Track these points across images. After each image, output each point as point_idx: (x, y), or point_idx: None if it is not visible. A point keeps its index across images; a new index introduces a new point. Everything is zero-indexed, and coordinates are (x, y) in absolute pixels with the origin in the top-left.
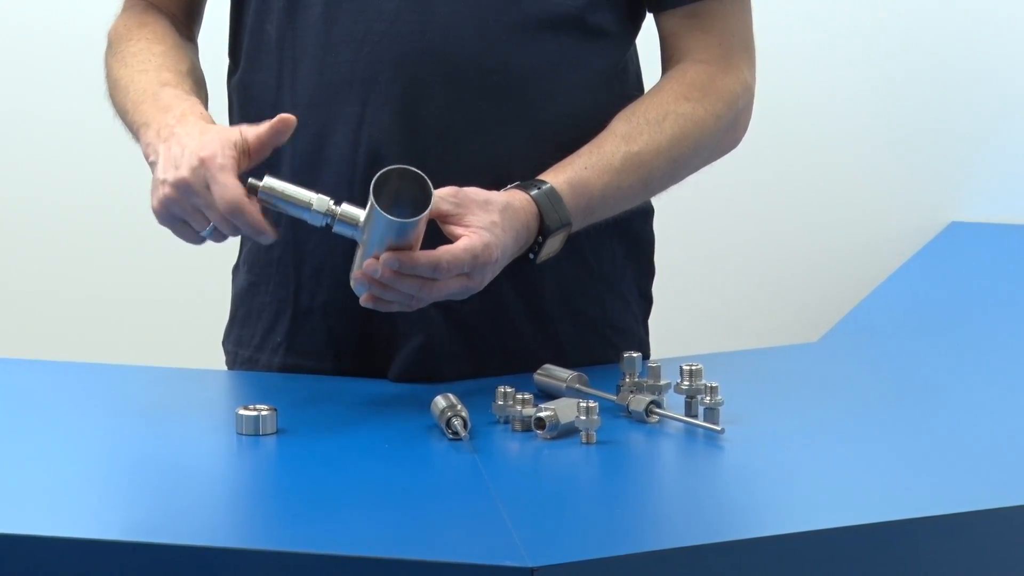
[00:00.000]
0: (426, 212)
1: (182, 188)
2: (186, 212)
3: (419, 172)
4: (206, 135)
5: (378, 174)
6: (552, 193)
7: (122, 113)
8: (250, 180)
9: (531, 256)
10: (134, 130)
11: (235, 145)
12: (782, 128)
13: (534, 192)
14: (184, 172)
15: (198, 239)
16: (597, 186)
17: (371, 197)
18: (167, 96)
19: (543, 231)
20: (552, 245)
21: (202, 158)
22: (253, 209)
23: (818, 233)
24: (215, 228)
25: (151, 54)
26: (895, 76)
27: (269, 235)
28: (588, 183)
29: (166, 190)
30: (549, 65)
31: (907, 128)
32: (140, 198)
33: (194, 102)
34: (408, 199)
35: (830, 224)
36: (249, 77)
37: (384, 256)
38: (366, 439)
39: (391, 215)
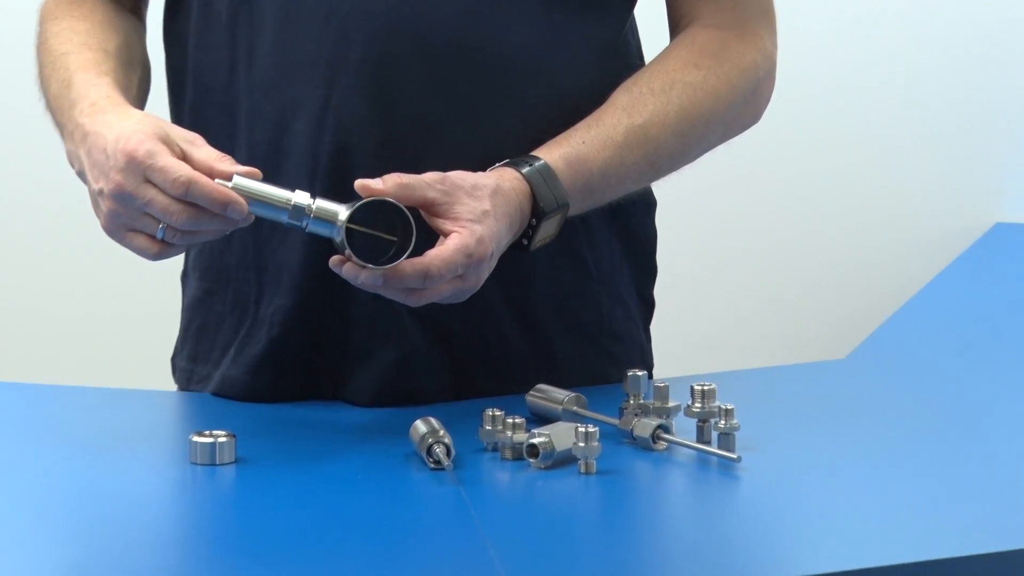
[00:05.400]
0: (407, 251)
1: (121, 197)
2: (135, 220)
3: (397, 203)
4: (124, 124)
5: (351, 210)
6: (546, 170)
7: (46, 101)
8: (219, 181)
9: (524, 242)
10: (58, 126)
11: (158, 137)
12: (812, 120)
13: (526, 170)
14: (116, 177)
15: (155, 250)
16: (597, 162)
17: (343, 239)
18: (77, 85)
19: (536, 213)
20: (547, 229)
21: (128, 154)
22: (207, 180)
23: (848, 235)
24: (170, 227)
25: (73, 33)
26: (936, 72)
27: (239, 206)
28: (587, 159)
29: (107, 204)
30: (540, 40)
31: (948, 124)
32: (70, 203)
33: (103, 85)
34: (386, 216)
35: (862, 226)
36: (196, 59)
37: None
38: (336, 469)
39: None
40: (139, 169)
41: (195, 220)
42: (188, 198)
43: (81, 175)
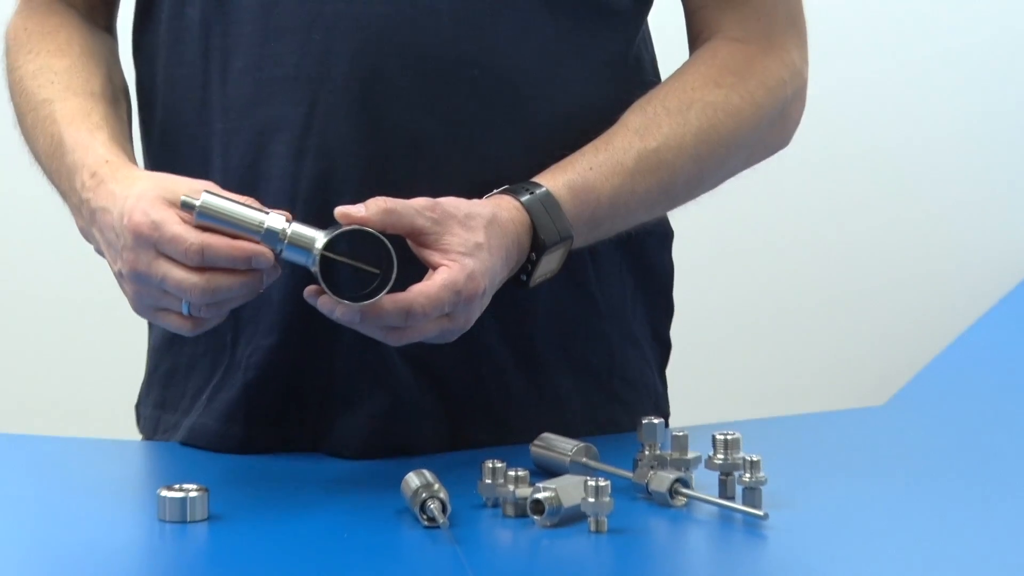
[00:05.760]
0: (388, 286)
1: (137, 278)
2: (159, 299)
3: (376, 233)
4: (128, 194)
5: (328, 237)
6: (548, 199)
7: (35, 155)
8: (183, 198)
9: (523, 277)
10: (57, 190)
11: (164, 202)
12: (847, 149)
13: (525, 198)
14: (128, 257)
15: (190, 327)
16: (605, 190)
17: (318, 269)
18: (71, 148)
19: (537, 246)
20: (548, 264)
21: (133, 230)
22: (221, 240)
23: (888, 274)
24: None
25: (53, 74)
26: (973, 108)
27: (264, 257)
28: (593, 187)
29: (128, 287)
30: (544, 53)
31: (996, 167)
32: (19, 236)
33: (98, 144)
34: (369, 245)
35: (903, 265)
36: (166, 75)
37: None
38: (319, 527)
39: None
40: (148, 244)
41: (216, 288)
42: (207, 264)
43: (100, 253)
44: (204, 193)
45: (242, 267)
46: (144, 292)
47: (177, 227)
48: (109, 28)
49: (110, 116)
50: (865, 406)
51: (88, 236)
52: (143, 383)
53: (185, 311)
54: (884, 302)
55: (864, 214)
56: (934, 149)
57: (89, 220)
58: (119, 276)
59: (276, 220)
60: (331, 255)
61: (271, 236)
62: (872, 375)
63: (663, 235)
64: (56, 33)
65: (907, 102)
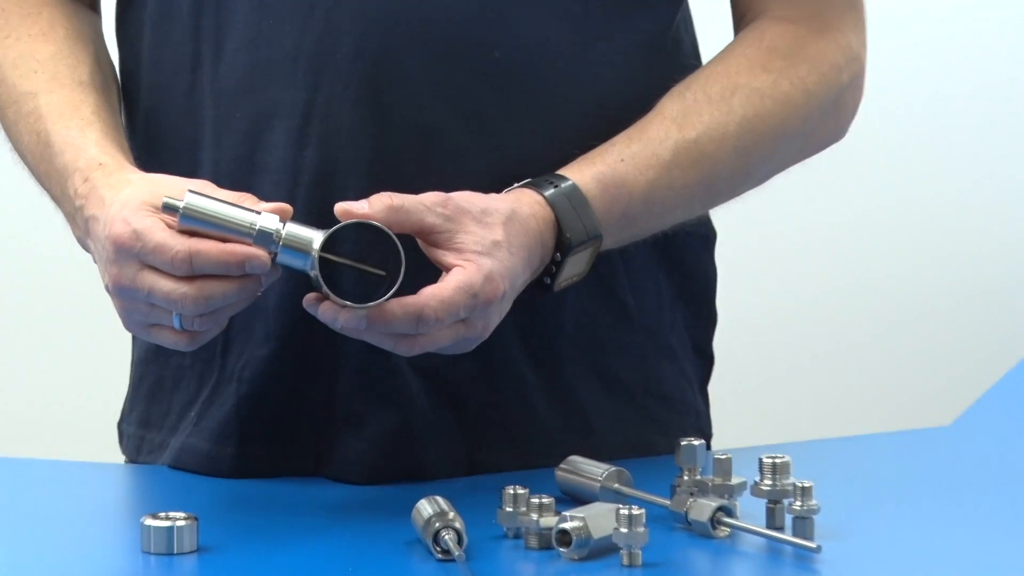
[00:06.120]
0: (395, 287)
1: (122, 293)
2: (148, 314)
3: (383, 228)
4: (114, 200)
5: (326, 236)
6: (575, 193)
7: (19, 153)
8: (165, 199)
9: (547, 281)
10: (48, 194)
11: (149, 207)
12: (910, 144)
13: (549, 192)
14: (112, 270)
15: (186, 341)
16: (638, 185)
17: (317, 273)
18: (60, 149)
19: (561, 246)
20: (575, 266)
21: (114, 240)
22: (211, 244)
23: (955, 278)
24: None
25: (36, 63)
26: None
27: (259, 260)
28: (626, 180)
29: (116, 303)
30: (571, 34)
31: None
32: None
33: (90, 144)
34: (374, 246)
35: (971, 274)
36: (152, 58)
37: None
38: (321, 559)
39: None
40: (131, 256)
41: (208, 298)
42: (197, 272)
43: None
44: (188, 193)
45: (235, 273)
46: (132, 308)
47: (160, 235)
48: (92, 3)
49: (102, 108)
50: (929, 426)
51: (86, 247)
52: (126, 398)
53: (177, 325)
54: (952, 312)
55: (932, 216)
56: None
57: (84, 230)
58: (108, 291)
59: (269, 220)
60: (331, 257)
61: (264, 238)
62: (937, 392)
63: (704, 236)
64: (38, 14)
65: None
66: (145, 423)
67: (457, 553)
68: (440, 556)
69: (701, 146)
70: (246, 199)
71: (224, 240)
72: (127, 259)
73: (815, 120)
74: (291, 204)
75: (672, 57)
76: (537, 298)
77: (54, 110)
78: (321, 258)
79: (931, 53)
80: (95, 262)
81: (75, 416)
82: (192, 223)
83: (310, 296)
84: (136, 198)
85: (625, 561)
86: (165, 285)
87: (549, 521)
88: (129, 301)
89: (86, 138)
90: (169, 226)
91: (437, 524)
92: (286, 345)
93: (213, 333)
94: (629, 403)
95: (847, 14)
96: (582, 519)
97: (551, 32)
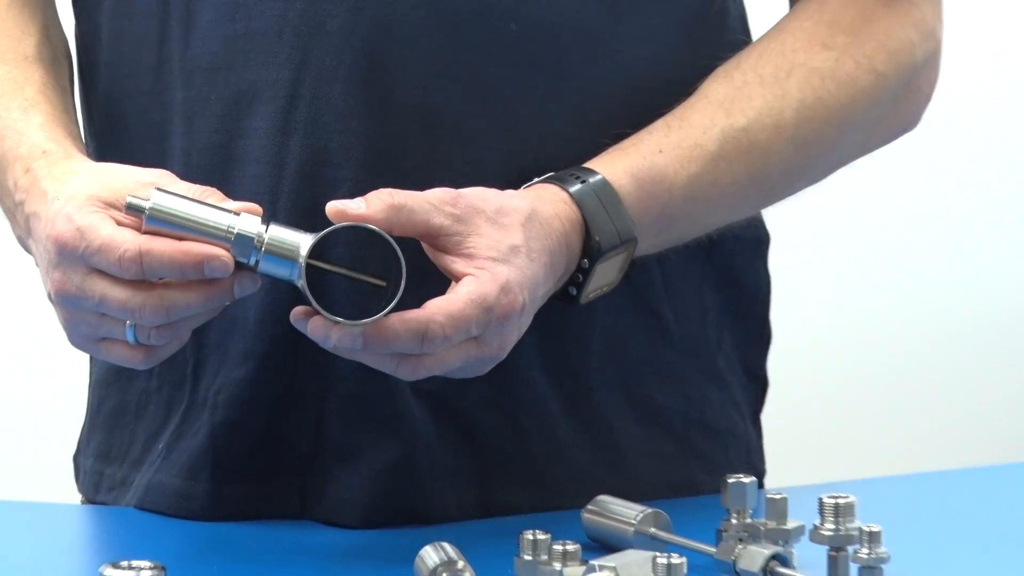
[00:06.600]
0: (396, 299)
1: (67, 301)
2: (97, 327)
3: (380, 232)
4: (58, 194)
5: (315, 241)
6: (605, 190)
7: None
8: (129, 199)
9: (572, 291)
10: None
11: (99, 201)
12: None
13: (575, 188)
14: (55, 275)
15: (140, 357)
16: (679, 180)
17: (305, 283)
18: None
19: (590, 251)
20: (605, 274)
21: (56, 240)
22: (165, 243)
23: None
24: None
25: None
26: None
27: (220, 262)
28: (664, 175)
29: (60, 314)
30: (599, 4)
31: None
32: None
33: (34, 128)
34: (373, 252)
35: None
36: (113, 32)
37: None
38: None
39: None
40: (75, 258)
41: (168, 308)
42: (148, 275)
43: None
44: (155, 191)
45: (193, 276)
46: (78, 319)
47: (106, 231)
48: None
49: (49, 87)
50: (1014, 461)
51: (27, 248)
52: (83, 427)
53: (131, 339)
54: None
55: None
56: None
57: (25, 229)
58: (50, 300)
59: (249, 223)
60: (321, 264)
61: (244, 243)
62: (1021, 424)
63: (756, 240)
64: None
65: None
66: (104, 456)
67: None
68: None
69: (752, 135)
70: (209, 194)
71: None
72: (71, 262)
73: (884, 105)
74: (273, 202)
75: (717, 31)
76: (561, 311)
77: None
78: (309, 266)
79: None
80: (37, 266)
81: (24, 448)
82: (159, 225)
83: (298, 310)
84: (83, 192)
85: None
86: (119, 293)
87: (575, 572)
88: (75, 311)
89: (29, 122)
90: (121, 223)
91: (444, 574)
92: (267, 364)
93: (173, 349)
94: (668, 434)
95: None
96: (613, 569)
97: (576, 1)
